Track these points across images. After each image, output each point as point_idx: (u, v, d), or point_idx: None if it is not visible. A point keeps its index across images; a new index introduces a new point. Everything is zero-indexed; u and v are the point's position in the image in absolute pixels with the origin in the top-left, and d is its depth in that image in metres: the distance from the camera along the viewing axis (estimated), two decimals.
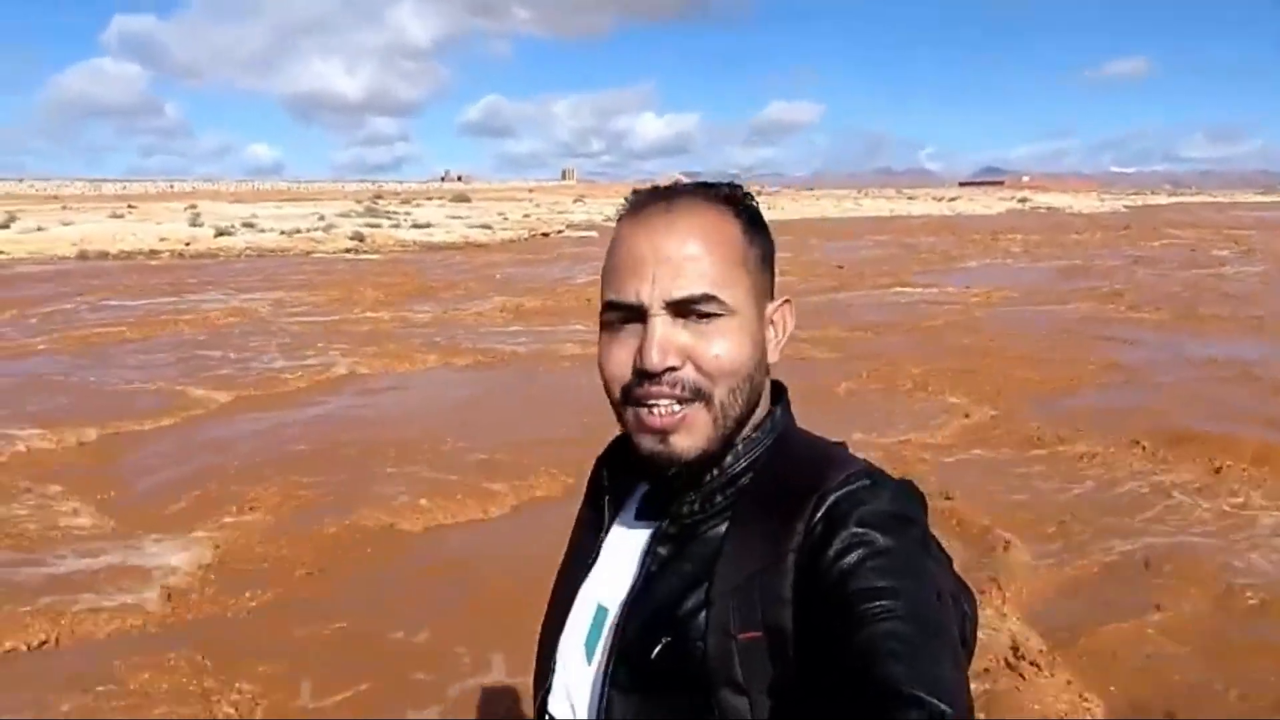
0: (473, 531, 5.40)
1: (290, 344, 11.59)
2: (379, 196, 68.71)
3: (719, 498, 0.94)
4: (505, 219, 44.24)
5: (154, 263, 25.97)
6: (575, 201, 72.21)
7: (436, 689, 3.63)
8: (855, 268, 21.03)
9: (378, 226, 36.55)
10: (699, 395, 0.91)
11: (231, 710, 3.48)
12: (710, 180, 1.00)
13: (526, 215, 48.53)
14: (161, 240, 31.60)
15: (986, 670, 3.65)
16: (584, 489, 1.11)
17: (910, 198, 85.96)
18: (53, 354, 11.12)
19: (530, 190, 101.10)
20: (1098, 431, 7.06)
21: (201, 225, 36.12)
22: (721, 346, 0.91)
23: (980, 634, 1.03)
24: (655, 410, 0.91)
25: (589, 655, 0.97)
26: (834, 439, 1.01)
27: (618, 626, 0.93)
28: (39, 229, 34.55)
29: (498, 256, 26.56)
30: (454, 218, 44.01)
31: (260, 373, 9.95)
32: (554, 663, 1.00)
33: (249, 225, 37.05)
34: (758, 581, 0.86)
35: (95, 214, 46.23)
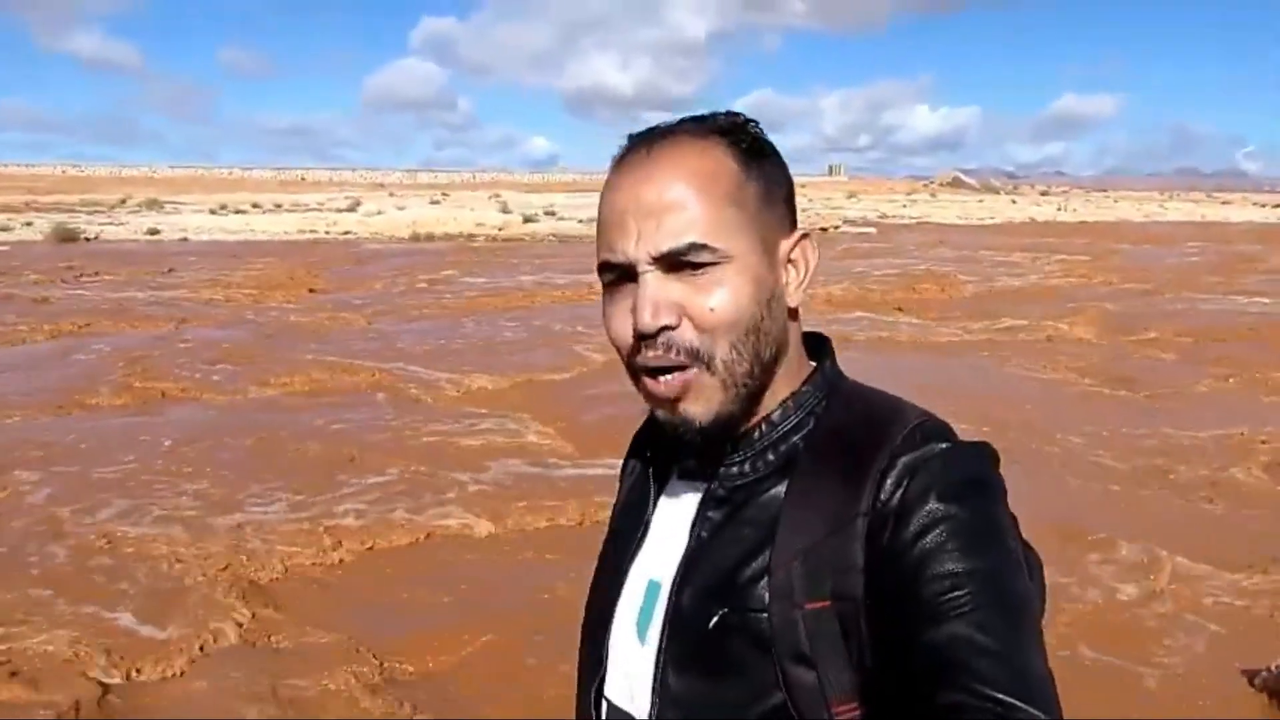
0: None
1: None
2: None
3: (771, 455, 0.88)
4: None
5: (475, 245, 28.46)
6: (849, 198, 71.81)
7: None
8: (1178, 274, 19.89)
9: None
10: (697, 358, 0.84)
11: None
12: (711, 112, 0.90)
13: (802, 210, 48.97)
14: (479, 225, 34.99)
15: None
16: None
17: (1224, 202, 77.58)
18: (441, 317, 13.23)
19: (802, 186, 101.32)
20: None
21: (511, 212, 39.83)
22: (718, 298, 0.83)
23: None
24: (661, 379, 0.85)
25: (641, 635, 0.91)
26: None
27: (671, 598, 0.88)
28: (379, 213, 39.64)
29: None
30: None
31: None
32: (606, 649, 0.94)
33: (550, 214, 40.41)
34: (825, 547, 0.81)
35: (417, 200, 52.17)
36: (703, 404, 0.85)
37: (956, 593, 0.74)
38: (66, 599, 4.24)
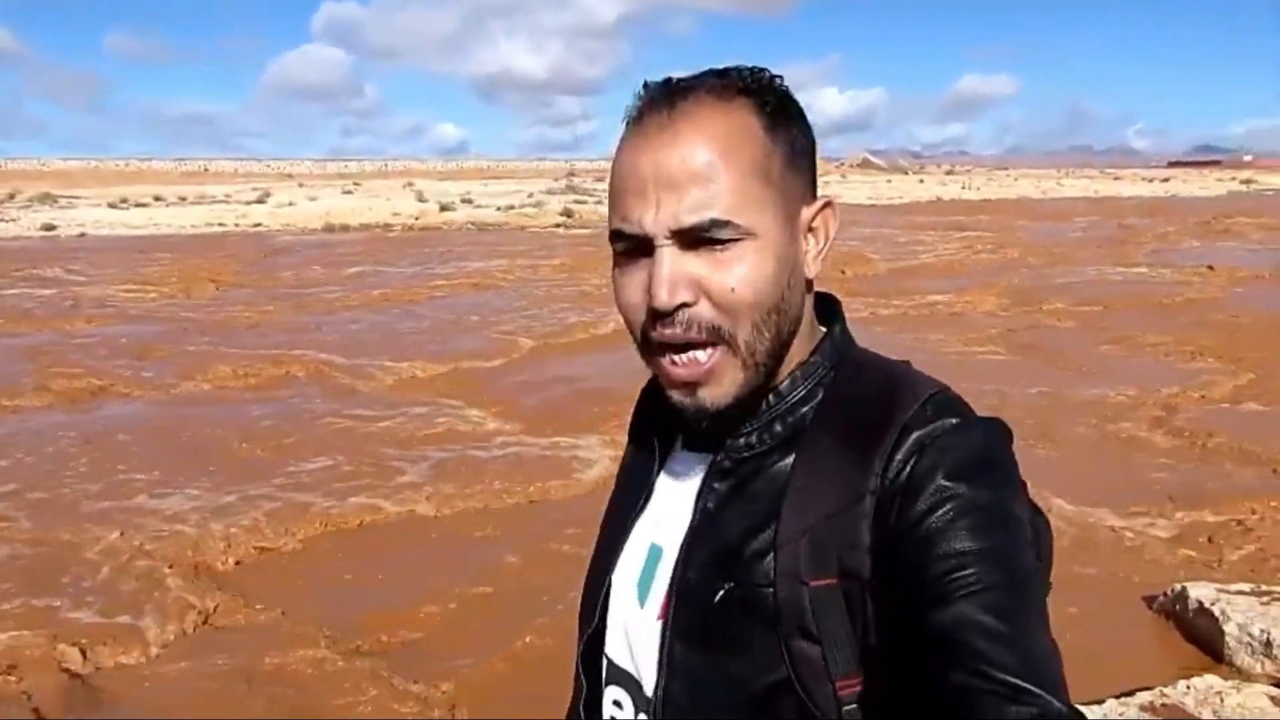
0: None
1: (554, 304, 13.18)
2: (572, 174, 71.63)
3: (778, 427, 0.86)
4: None
5: (391, 235, 27.65)
6: None
7: None
8: (1071, 248, 20.93)
9: (583, 203, 38.69)
10: (719, 336, 0.81)
11: None
12: (730, 67, 0.85)
13: None
14: (394, 215, 34.43)
15: None
16: None
17: (1116, 177, 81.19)
18: (364, 307, 13.16)
19: None
20: None
21: (427, 201, 39.35)
22: (739, 277, 0.80)
23: None
24: (679, 360, 0.82)
25: (641, 598, 0.91)
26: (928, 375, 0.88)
27: (676, 569, 0.87)
28: (290, 204, 38.72)
29: None
30: None
31: (547, 325, 11.52)
32: (604, 605, 0.95)
33: (467, 201, 40.05)
34: (832, 523, 0.79)
35: (329, 190, 51.02)
36: (722, 388, 0.83)
37: (963, 572, 0.72)
38: (28, 594, 4.29)
